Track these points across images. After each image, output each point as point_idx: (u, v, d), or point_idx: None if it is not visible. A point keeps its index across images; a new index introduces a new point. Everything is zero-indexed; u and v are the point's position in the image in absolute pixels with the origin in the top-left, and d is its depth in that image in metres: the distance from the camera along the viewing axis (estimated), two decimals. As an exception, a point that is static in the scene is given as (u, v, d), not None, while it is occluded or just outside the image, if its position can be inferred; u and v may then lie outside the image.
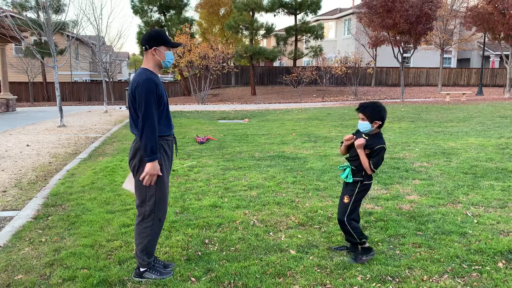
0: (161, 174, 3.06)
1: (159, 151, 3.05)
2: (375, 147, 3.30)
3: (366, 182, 3.41)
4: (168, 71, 33.78)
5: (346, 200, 3.46)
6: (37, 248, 3.82)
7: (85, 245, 3.80)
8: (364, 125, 3.30)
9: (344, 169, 3.49)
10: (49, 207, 5.04)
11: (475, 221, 4.30)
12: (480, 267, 3.32)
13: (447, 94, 23.41)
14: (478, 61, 39.83)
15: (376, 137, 3.35)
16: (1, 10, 15.70)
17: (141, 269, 3.19)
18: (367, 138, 3.33)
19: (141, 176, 3.03)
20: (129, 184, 3.34)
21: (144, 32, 33.13)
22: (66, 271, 3.33)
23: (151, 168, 2.98)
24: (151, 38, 3.06)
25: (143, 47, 3.07)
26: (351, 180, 3.42)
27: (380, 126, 3.33)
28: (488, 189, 5.44)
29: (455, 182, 5.78)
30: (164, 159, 3.12)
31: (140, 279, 3.16)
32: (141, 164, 3.06)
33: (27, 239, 4.05)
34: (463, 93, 23.61)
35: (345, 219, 3.44)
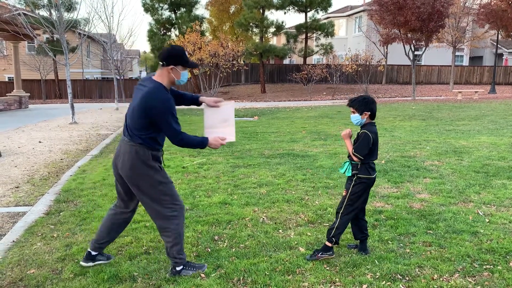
0: (218, 145, 3.20)
1: (155, 161, 3.08)
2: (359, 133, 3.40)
3: (361, 176, 3.40)
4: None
5: (344, 193, 3.51)
6: (49, 243, 3.87)
7: (96, 241, 3.84)
8: (355, 118, 3.43)
9: (345, 165, 3.54)
10: (60, 203, 5.10)
11: (487, 220, 4.26)
12: (491, 266, 3.28)
13: (459, 92, 23.18)
14: (491, 59, 39.31)
15: (365, 126, 3.42)
16: (14, 8, 15.88)
17: (178, 268, 3.21)
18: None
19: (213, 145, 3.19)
20: (230, 136, 3.34)
21: (154, 30, 33.25)
22: (78, 266, 3.37)
23: (211, 144, 3.17)
24: (171, 57, 3.03)
25: (161, 62, 3.04)
26: (349, 174, 3.46)
27: (371, 118, 3.43)
28: (500, 188, 5.37)
29: (466, 181, 5.72)
30: (157, 168, 3.10)
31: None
32: (140, 177, 3.05)
33: (39, 234, 4.10)
34: (475, 91, 23.36)
35: (340, 211, 3.47)
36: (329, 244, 3.44)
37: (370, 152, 3.37)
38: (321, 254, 3.42)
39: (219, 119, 3.36)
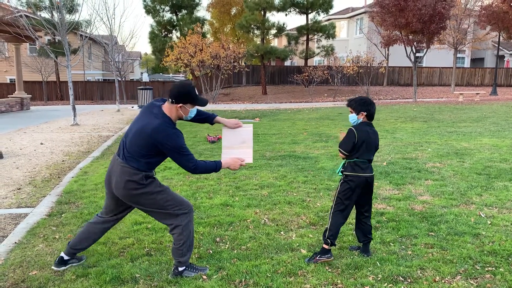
0: (236, 167, 3.29)
1: (148, 178, 3.09)
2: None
3: (347, 174, 3.46)
4: (179, 70, 33.94)
5: (335, 191, 3.58)
6: (51, 245, 3.87)
7: (98, 242, 3.81)
8: (352, 117, 3.53)
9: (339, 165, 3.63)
10: (62, 204, 5.11)
11: (489, 222, 4.25)
12: (493, 268, 3.28)
13: (460, 94, 23.14)
14: (492, 60, 39.27)
15: (359, 125, 3.49)
16: (16, 10, 15.94)
17: (180, 269, 3.22)
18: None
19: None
20: (247, 158, 3.39)
21: (156, 31, 33.33)
22: (79, 267, 3.37)
23: (230, 166, 3.25)
24: (180, 96, 3.04)
25: (170, 100, 3.05)
26: (339, 172, 3.56)
27: (368, 118, 3.50)
28: (502, 190, 5.37)
29: (468, 182, 5.72)
30: (150, 182, 3.11)
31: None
32: (137, 196, 3.08)
33: (41, 235, 4.11)
34: (477, 93, 23.31)
35: (330, 211, 3.52)
36: (326, 247, 3.44)
37: (356, 149, 3.40)
38: (319, 257, 3.42)
39: (237, 141, 3.43)
